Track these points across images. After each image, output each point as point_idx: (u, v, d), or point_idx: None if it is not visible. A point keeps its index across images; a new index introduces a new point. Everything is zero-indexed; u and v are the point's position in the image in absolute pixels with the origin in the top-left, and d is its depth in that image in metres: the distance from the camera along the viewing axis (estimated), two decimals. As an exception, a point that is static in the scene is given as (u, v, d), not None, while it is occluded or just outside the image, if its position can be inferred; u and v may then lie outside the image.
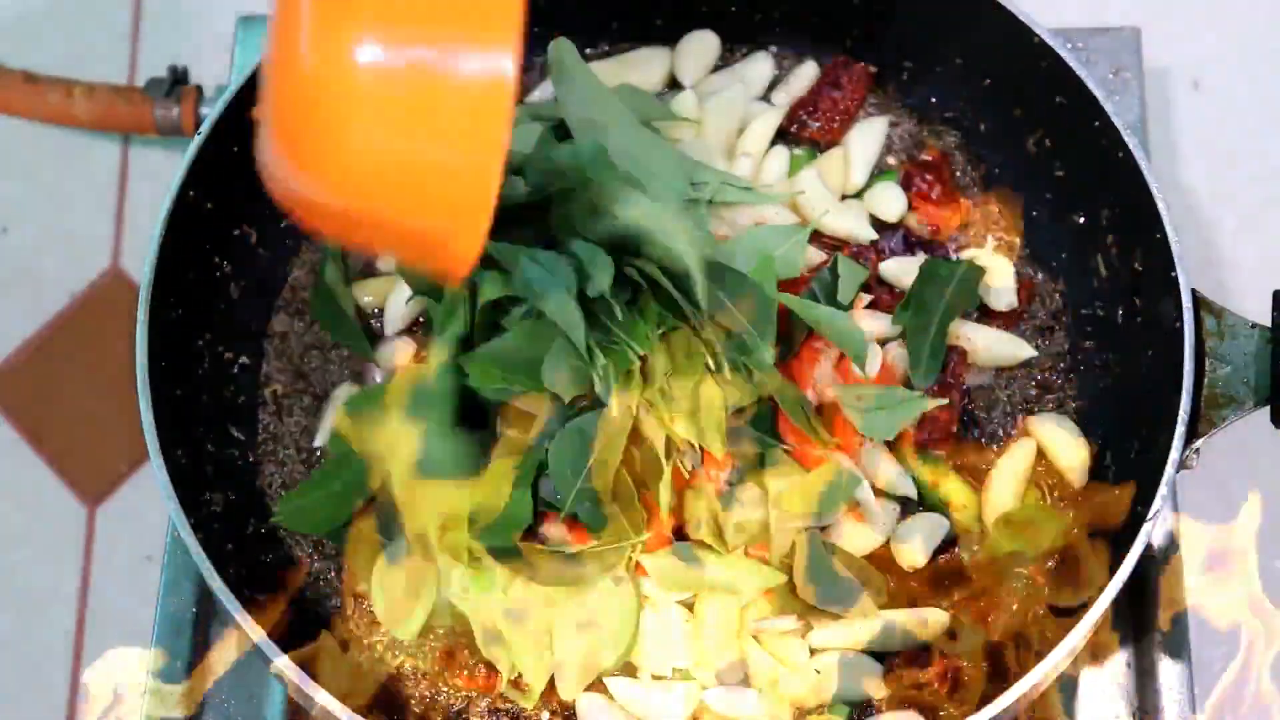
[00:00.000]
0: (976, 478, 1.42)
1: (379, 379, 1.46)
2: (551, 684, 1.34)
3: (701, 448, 1.34)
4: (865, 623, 1.34)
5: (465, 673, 1.37)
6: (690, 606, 1.36)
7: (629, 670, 1.35)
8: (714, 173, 1.45)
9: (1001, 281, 1.47)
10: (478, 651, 1.35)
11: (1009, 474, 1.41)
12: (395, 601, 1.37)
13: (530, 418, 1.36)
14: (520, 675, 1.35)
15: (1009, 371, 1.47)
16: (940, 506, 1.40)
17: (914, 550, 1.37)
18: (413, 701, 1.37)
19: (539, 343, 1.34)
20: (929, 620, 1.35)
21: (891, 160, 1.55)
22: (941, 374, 1.42)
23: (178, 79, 1.66)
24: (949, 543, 1.39)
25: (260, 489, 1.46)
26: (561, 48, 1.47)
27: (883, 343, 1.43)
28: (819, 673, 1.34)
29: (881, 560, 1.38)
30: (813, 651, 1.35)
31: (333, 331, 1.49)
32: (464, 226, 1.08)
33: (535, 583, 1.34)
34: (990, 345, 1.45)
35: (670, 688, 1.34)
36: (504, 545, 1.34)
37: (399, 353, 1.46)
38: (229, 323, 1.48)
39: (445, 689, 1.37)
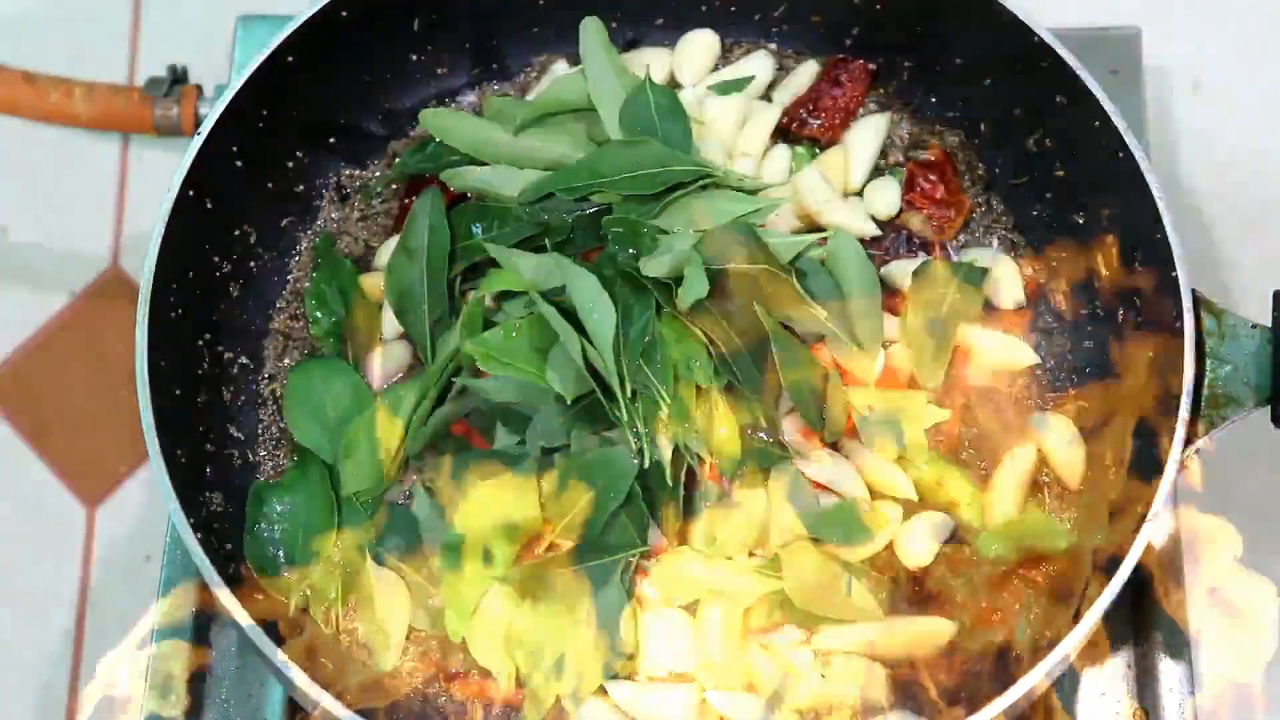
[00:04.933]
0: (979, 477, 1.42)
1: (376, 381, 1.46)
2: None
3: (699, 455, 1.35)
4: (868, 627, 1.34)
5: (460, 678, 1.36)
6: (692, 610, 1.36)
7: (629, 673, 1.35)
8: (717, 171, 1.45)
9: (1008, 280, 1.48)
10: (469, 658, 1.36)
11: (1010, 478, 1.40)
12: (372, 630, 1.37)
13: (527, 419, 1.36)
14: (520, 683, 1.34)
15: (1010, 372, 1.46)
16: (943, 506, 1.40)
17: (917, 550, 1.37)
18: (413, 701, 1.37)
19: (543, 335, 1.34)
20: (932, 628, 1.35)
21: (894, 160, 1.55)
22: (945, 376, 1.42)
23: (177, 78, 1.66)
24: (952, 542, 1.39)
25: (260, 489, 1.46)
26: (590, 29, 1.48)
27: (886, 345, 1.43)
28: (823, 677, 1.34)
29: (884, 561, 1.38)
30: (816, 656, 1.35)
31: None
32: None
33: (533, 596, 1.34)
34: (993, 348, 1.45)
35: (671, 691, 1.34)
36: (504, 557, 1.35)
37: (392, 359, 1.46)
38: (229, 323, 1.48)
39: (444, 691, 1.37)
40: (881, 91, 1.58)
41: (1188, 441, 1.30)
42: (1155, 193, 1.36)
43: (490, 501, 1.35)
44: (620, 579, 1.34)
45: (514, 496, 1.35)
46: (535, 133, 1.49)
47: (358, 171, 1.57)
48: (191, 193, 1.41)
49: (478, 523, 1.35)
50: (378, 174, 1.57)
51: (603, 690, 1.34)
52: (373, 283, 1.49)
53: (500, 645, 1.34)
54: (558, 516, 1.34)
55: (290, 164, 1.53)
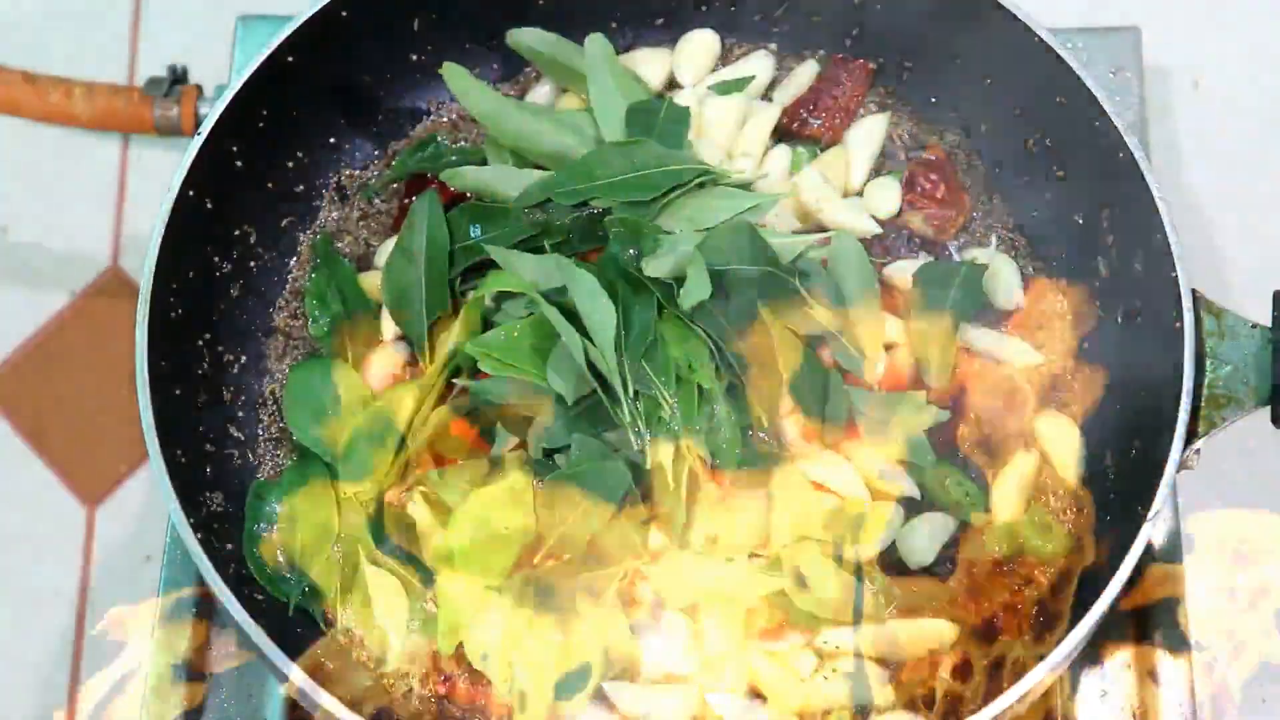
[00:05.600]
0: (980, 477, 1.41)
1: (375, 381, 1.46)
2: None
3: (701, 455, 1.35)
4: (868, 627, 1.34)
5: (457, 681, 1.36)
6: (692, 612, 1.36)
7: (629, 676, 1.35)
8: (714, 169, 1.45)
9: (1007, 280, 1.48)
10: (466, 661, 1.35)
11: (1012, 478, 1.40)
12: (370, 630, 1.37)
13: (527, 420, 1.36)
14: (515, 687, 1.34)
15: (1010, 371, 1.46)
16: (945, 506, 1.40)
17: (919, 551, 1.37)
18: (410, 702, 1.37)
19: (543, 335, 1.34)
20: (932, 628, 1.35)
21: (895, 160, 1.55)
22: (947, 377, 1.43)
23: (177, 78, 1.66)
24: (954, 542, 1.39)
25: (260, 489, 1.46)
26: (595, 46, 1.48)
27: (887, 346, 1.43)
28: (825, 680, 1.33)
29: (885, 561, 1.38)
30: (817, 656, 1.35)
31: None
32: None
33: (530, 603, 1.33)
34: (993, 348, 1.45)
35: (669, 692, 1.33)
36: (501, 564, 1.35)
37: (391, 360, 1.46)
38: (229, 323, 1.48)
39: (441, 693, 1.37)
40: (881, 91, 1.58)
41: (1188, 441, 1.30)
42: (1155, 193, 1.36)
43: (487, 509, 1.35)
44: (619, 586, 1.34)
45: (510, 504, 1.35)
46: (546, 117, 1.49)
47: (358, 171, 1.57)
48: (191, 193, 1.41)
49: (474, 530, 1.35)
50: (377, 174, 1.57)
51: (602, 693, 1.34)
52: (372, 282, 1.49)
53: (497, 650, 1.34)
54: (554, 524, 1.34)
55: (290, 164, 1.53)
